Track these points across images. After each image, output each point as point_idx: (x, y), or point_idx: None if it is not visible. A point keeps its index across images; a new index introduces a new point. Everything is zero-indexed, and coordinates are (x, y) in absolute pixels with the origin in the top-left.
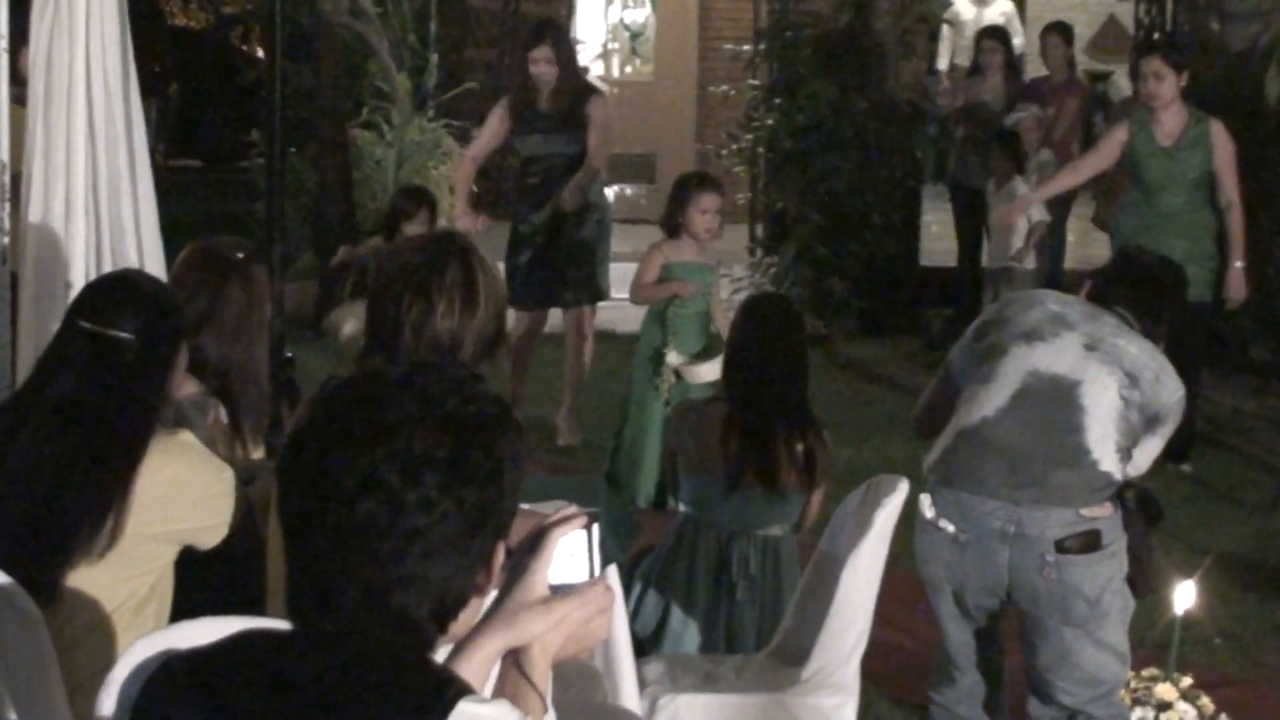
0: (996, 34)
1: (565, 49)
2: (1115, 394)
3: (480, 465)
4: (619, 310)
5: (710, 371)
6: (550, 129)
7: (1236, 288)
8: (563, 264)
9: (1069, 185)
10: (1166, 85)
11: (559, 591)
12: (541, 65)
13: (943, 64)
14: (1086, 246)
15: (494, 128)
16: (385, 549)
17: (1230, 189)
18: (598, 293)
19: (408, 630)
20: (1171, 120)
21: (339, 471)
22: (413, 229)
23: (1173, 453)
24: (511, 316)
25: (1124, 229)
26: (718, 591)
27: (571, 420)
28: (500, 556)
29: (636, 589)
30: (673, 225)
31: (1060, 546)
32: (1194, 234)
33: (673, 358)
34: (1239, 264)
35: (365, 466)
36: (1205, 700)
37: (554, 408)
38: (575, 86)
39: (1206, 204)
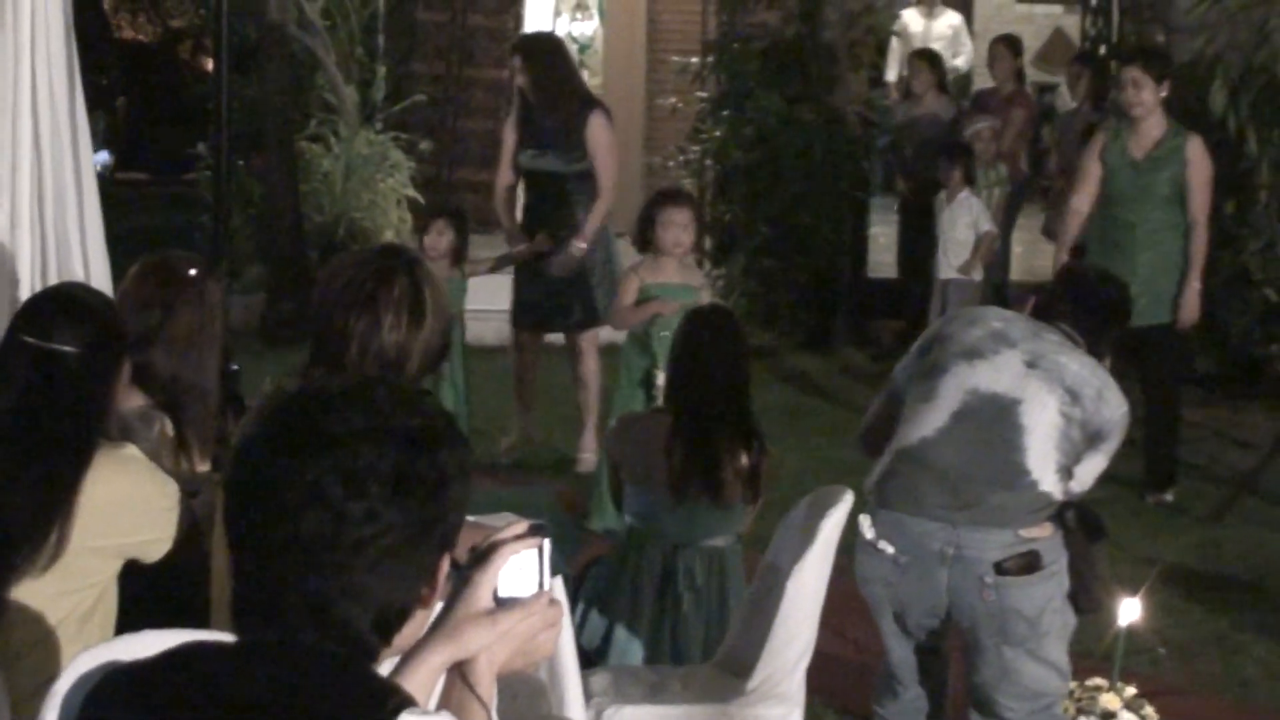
0: (927, 56)
1: (539, 61)
2: (1056, 412)
3: (425, 478)
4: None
5: None
6: (545, 143)
7: (1189, 308)
8: (559, 286)
9: (1079, 221)
10: (1146, 93)
11: (507, 605)
12: (516, 77)
13: (891, 75)
14: (1034, 258)
15: (509, 144)
16: (329, 560)
17: (1198, 208)
18: (592, 316)
19: (350, 642)
20: (1149, 132)
21: (283, 483)
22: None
23: (1154, 483)
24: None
25: (1092, 243)
26: (663, 603)
27: (590, 440)
28: (445, 569)
29: (582, 601)
30: (644, 241)
31: (999, 568)
32: (1160, 250)
33: (664, 380)
34: (1195, 285)
35: (309, 478)
36: (1149, 710)
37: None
38: (566, 100)
39: (1178, 221)
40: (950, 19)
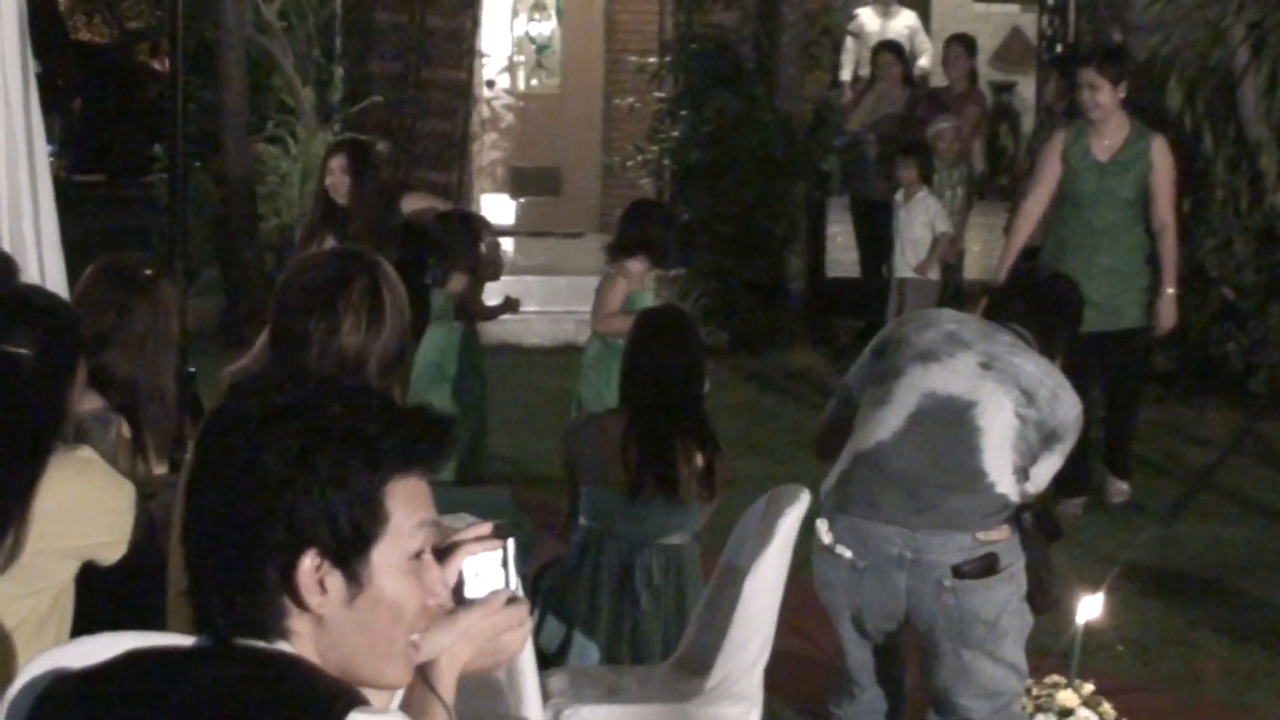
0: (893, 48)
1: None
2: (1011, 413)
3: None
4: (524, 324)
5: None
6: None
7: (1167, 315)
8: None
9: (1031, 223)
10: (1103, 95)
11: (468, 606)
12: (336, 174)
13: (846, 75)
14: (990, 257)
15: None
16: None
17: (1164, 210)
18: None
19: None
20: (1112, 133)
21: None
22: None
23: (1115, 473)
24: None
25: (1050, 243)
26: (622, 602)
27: None
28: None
29: (540, 602)
30: (627, 249)
31: (958, 571)
32: (1121, 252)
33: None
34: (1171, 290)
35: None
36: (1106, 707)
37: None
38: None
39: (1139, 222)
40: (906, 19)
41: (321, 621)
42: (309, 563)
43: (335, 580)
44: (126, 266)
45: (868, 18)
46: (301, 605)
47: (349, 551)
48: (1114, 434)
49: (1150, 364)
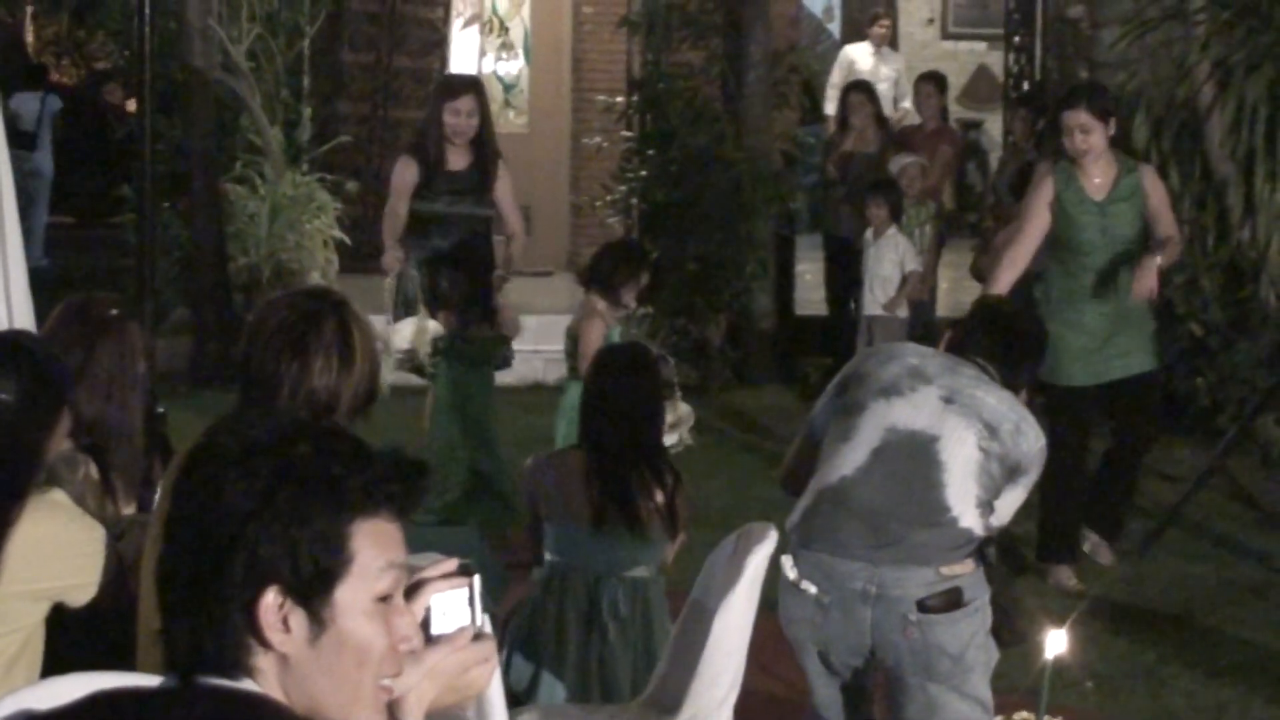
0: (863, 88)
1: (486, 106)
2: (974, 447)
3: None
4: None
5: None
6: (461, 189)
7: (1146, 277)
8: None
9: (1016, 274)
10: (1095, 137)
11: (435, 643)
12: (462, 118)
13: (830, 109)
14: (959, 293)
15: (408, 181)
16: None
17: (1169, 226)
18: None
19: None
20: (1102, 172)
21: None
22: None
23: (1105, 531)
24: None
25: (1051, 295)
26: (589, 636)
27: None
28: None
29: (508, 640)
30: (610, 288)
31: (922, 606)
32: (1125, 295)
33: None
34: (1158, 259)
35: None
36: None
37: None
38: (490, 149)
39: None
40: (896, 61)
41: (286, 661)
42: (271, 599)
43: (299, 619)
44: (92, 306)
45: (859, 54)
46: (265, 643)
47: (311, 589)
48: (1112, 489)
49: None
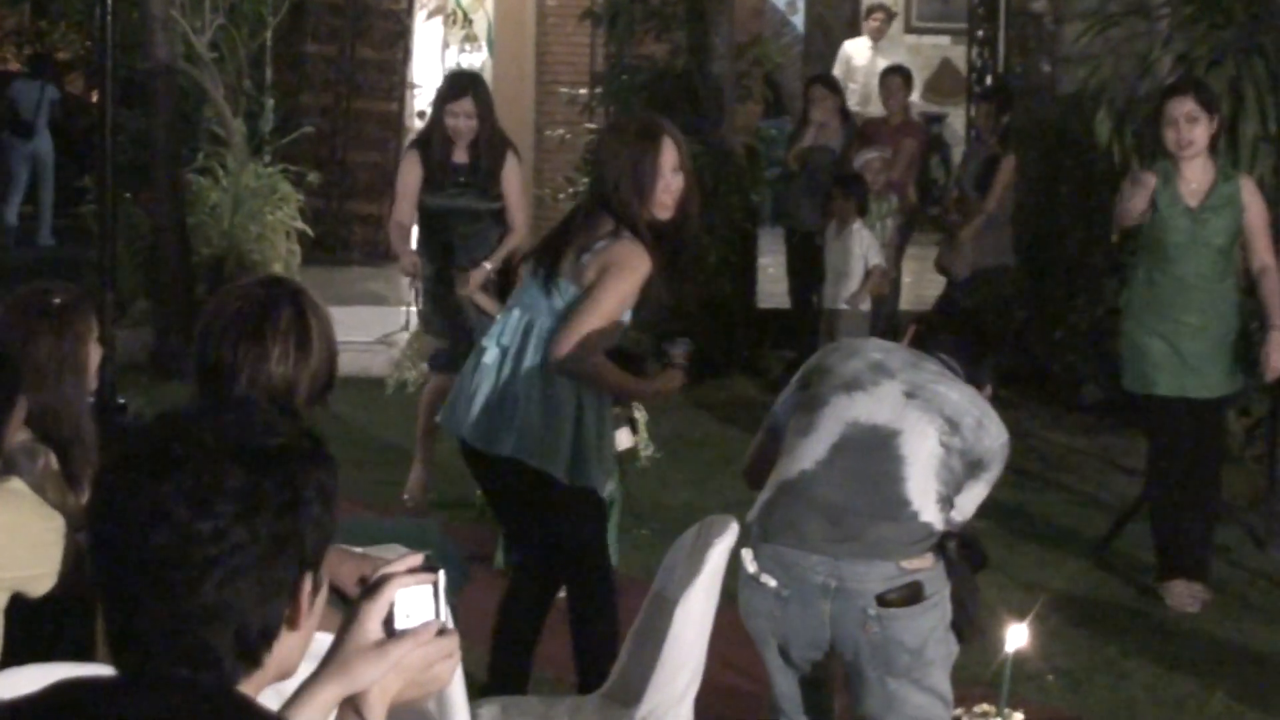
0: (827, 82)
1: (486, 101)
2: (935, 442)
3: (274, 495)
4: None
5: (624, 439)
6: (465, 182)
7: (1277, 358)
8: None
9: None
10: (1200, 130)
11: (398, 638)
12: (460, 119)
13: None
14: (923, 287)
15: (410, 182)
16: (178, 580)
17: (1264, 251)
18: None
19: (211, 666)
20: (1198, 175)
21: (130, 505)
22: None
23: (1188, 571)
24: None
25: (1134, 302)
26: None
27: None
28: (309, 589)
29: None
30: None
31: (882, 600)
32: (1212, 310)
33: (623, 439)
34: (1277, 332)
35: (154, 499)
36: None
37: None
38: (493, 140)
39: (1230, 276)
40: (896, 55)
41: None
42: (309, 584)
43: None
44: (29, 296)
45: (856, 49)
46: (295, 627)
47: (318, 558)
48: (1188, 523)
49: (1083, 396)
